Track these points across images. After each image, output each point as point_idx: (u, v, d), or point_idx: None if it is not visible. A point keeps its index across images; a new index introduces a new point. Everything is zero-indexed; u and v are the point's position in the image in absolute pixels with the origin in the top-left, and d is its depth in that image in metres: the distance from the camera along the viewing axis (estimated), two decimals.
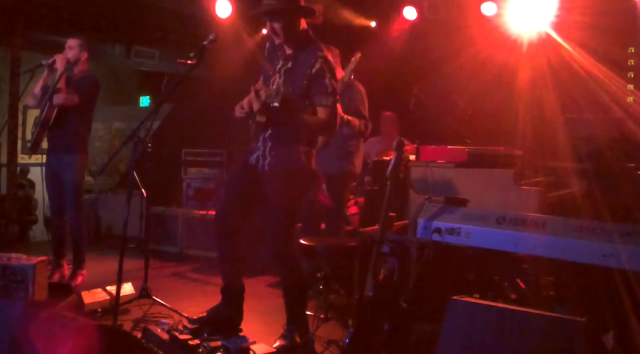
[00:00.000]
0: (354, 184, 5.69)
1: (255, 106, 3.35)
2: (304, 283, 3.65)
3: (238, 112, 3.57)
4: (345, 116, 4.54)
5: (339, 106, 4.48)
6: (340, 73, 4.61)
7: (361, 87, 4.83)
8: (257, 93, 3.30)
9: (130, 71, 11.34)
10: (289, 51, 3.54)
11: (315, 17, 3.55)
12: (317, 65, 3.39)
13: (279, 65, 3.57)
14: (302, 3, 3.50)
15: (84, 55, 4.88)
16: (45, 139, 4.83)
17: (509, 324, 2.33)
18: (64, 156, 4.81)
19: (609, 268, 2.78)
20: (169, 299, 4.25)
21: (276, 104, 3.28)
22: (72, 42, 4.86)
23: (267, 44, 3.73)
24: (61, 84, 4.65)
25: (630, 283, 3.54)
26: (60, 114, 4.72)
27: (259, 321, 4.01)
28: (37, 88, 4.88)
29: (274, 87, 3.43)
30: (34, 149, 4.79)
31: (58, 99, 4.64)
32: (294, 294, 3.59)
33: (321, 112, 3.42)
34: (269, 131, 3.54)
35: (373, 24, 8.17)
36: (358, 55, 4.61)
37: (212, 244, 6.09)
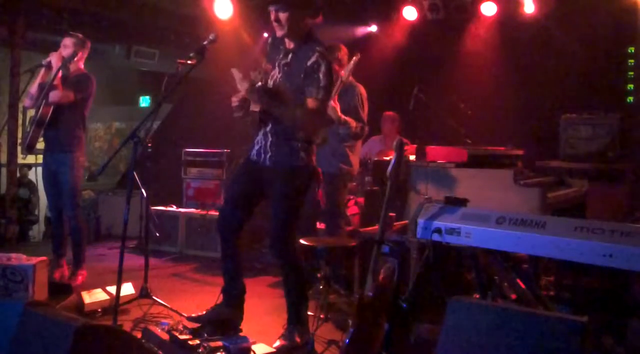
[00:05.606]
0: (354, 184, 5.70)
1: (242, 89, 3.36)
2: (305, 282, 3.65)
3: (233, 101, 3.57)
4: (343, 117, 4.54)
5: (337, 105, 4.50)
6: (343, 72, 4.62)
7: (362, 90, 4.81)
8: (242, 76, 3.32)
9: (130, 71, 11.33)
10: (289, 45, 3.54)
11: (316, 15, 3.54)
12: (313, 59, 3.39)
13: (278, 60, 3.58)
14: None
15: (80, 54, 4.87)
16: (42, 138, 4.82)
17: (509, 324, 2.32)
18: (60, 155, 4.80)
19: (609, 268, 2.78)
20: (169, 299, 4.24)
21: (259, 84, 3.29)
22: (67, 41, 4.84)
23: (269, 39, 3.72)
24: (57, 82, 4.64)
25: (630, 282, 3.55)
26: (56, 113, 4.70)
27: (259, 321, 4.01)
28: (33, 88, 4.86)
29: (256, 72, 3.43)
30: (30, 149, 4.76)
31: (54, 96, 4.63)
32: (295, 294, 3.59)
33: (309, 103, 3.41)
34: (270, 126, 3.54)
35: (374, 28, 8.17)
36: (357, 56, 4.61)
37: (212, 244, 6.18)
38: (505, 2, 7.07)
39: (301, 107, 3.41)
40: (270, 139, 3.55)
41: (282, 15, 3.43)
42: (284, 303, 3.64)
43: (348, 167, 4.81)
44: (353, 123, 4.64)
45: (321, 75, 3.39)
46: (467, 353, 2.37)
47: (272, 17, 3.48)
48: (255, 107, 3.47)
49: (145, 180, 4.79)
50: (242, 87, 3.38)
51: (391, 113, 6.58)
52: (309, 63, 3.39)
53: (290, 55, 3.52)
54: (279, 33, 3.50)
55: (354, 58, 4.60)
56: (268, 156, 3.55)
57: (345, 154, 4.78)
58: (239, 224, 3.68)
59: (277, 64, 3.57)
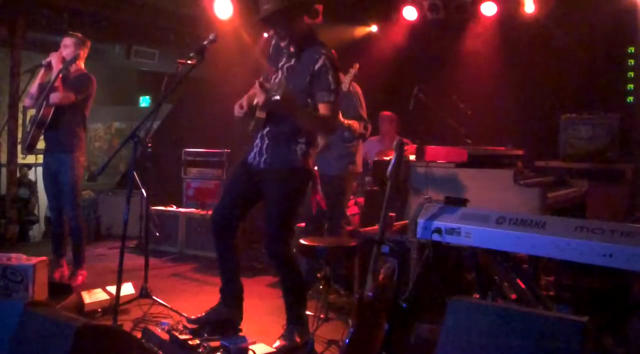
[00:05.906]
0: (354, 184, 5.71)
1: (260, 99, 3.34)
2: (302, 282, 3.65)
3: (237, 111, 3.56)
4: (346, 121, 4.55)
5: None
6: None
7: (358, 89, 4.83)
8: (261, 86, 3.28)
9: (130, 71, 11.35)
10: (293, 49, 3.54)
11: (316, 16, 3.54)
12: (320, 62, 3.38)
13: (281, 62, 3.58)
14: None
15: (81, 54, 4.86)
16: (42, 138, 4.82)
17: (509, 324, 2.32)
18: (61, 155, 4.80)
19: (609, 268, 2.78)
20: (169, 299, 4.24)
21: (277, 97, 3.27)
22: (67, 41, 4.84)
23: (272, 41, 3.72)
24: (58, 83, 4.63)
25: (630, 282, 3.55)
26: (57, 114, 4.70)
27: (259, 321, 4.01)
28: (33, 88, 4.86)
29: (276, 81, 3.41)
30: (30, 149, 4.77)
31: (55, 97, 4.63)
32: (294, 294, 3.59)
33: (323, 109, 3.40)
34: (267, 128, 3.54)
35: (374, 28, 8.17)
36: (356, 67, 4.61)
37: (212, 244, 6.15)
38: (505, 2, 7.08)
39: (314, 111, 3.41)
40: (266, 142, 3.55)
41: (278, 29, 3.46)
42: (283, 303, 3.64)
43: (355, 166, 4.86)
44: (356, 125, 4.66)
45: (330, 78, 3.39)
46: (467, 353, 2.37)
47: (272, 32, 3.50)
48: (261, 114, 3.46)
49: (145, 180, 4.79)
50: (260, 98, 3.37)
51: (388, 113, 6.57)
52: (316, 67, 3.39)
53: (294, 59, 3.52)
54: (283, 44, 3.52)
55: (352, 70, 4.61)
56: (263, 158, 3.55)
57: (352, 154, 4.82)
58: (235, 225, 3.68)
59: (280, 67, 3.58)
